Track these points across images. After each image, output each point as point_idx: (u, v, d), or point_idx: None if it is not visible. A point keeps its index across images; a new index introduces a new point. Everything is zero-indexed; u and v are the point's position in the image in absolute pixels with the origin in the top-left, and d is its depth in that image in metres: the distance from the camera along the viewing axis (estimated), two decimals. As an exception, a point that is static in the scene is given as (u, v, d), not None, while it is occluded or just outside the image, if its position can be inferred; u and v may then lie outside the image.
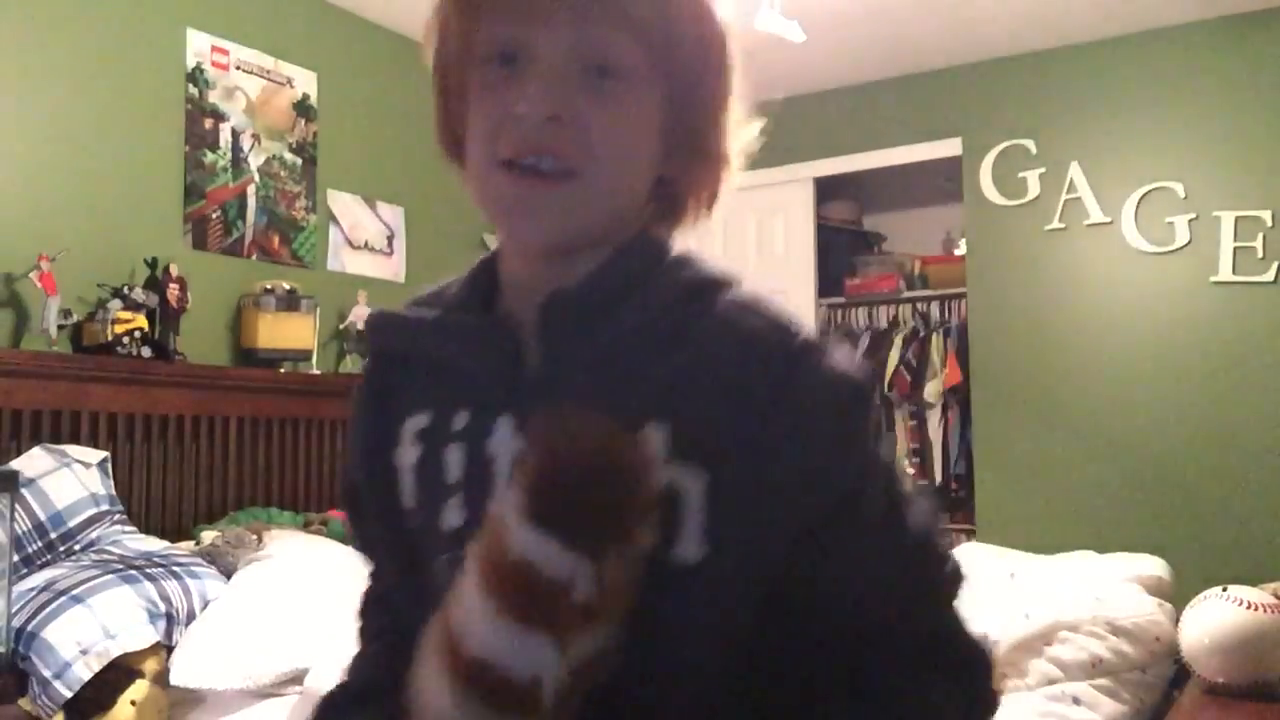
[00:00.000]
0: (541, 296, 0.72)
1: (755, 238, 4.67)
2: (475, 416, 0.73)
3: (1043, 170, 4.07)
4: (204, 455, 2.97)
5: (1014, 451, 4.06)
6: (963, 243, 4.40)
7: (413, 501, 0.75)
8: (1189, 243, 3.80)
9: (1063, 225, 4.02)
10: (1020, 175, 4.11)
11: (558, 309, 0.72)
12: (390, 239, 3.83)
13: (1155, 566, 2.60)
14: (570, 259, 0.72)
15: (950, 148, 4.27)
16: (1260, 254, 3.69)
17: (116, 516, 2.52)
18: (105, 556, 2.32)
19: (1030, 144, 4.10)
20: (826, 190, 4.72)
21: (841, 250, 4.90)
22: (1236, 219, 3.74)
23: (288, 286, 3.23)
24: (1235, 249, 3.73)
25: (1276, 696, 2.07)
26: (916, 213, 5.08)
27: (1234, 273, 3.73)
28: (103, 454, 2.60)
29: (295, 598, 2.29)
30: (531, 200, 0.70)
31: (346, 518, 0.86)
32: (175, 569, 2.29)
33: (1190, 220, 3.80)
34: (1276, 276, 3.66)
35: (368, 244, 3.76)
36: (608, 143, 0.70)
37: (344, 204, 3.69)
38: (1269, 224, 3.69)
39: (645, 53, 0.71)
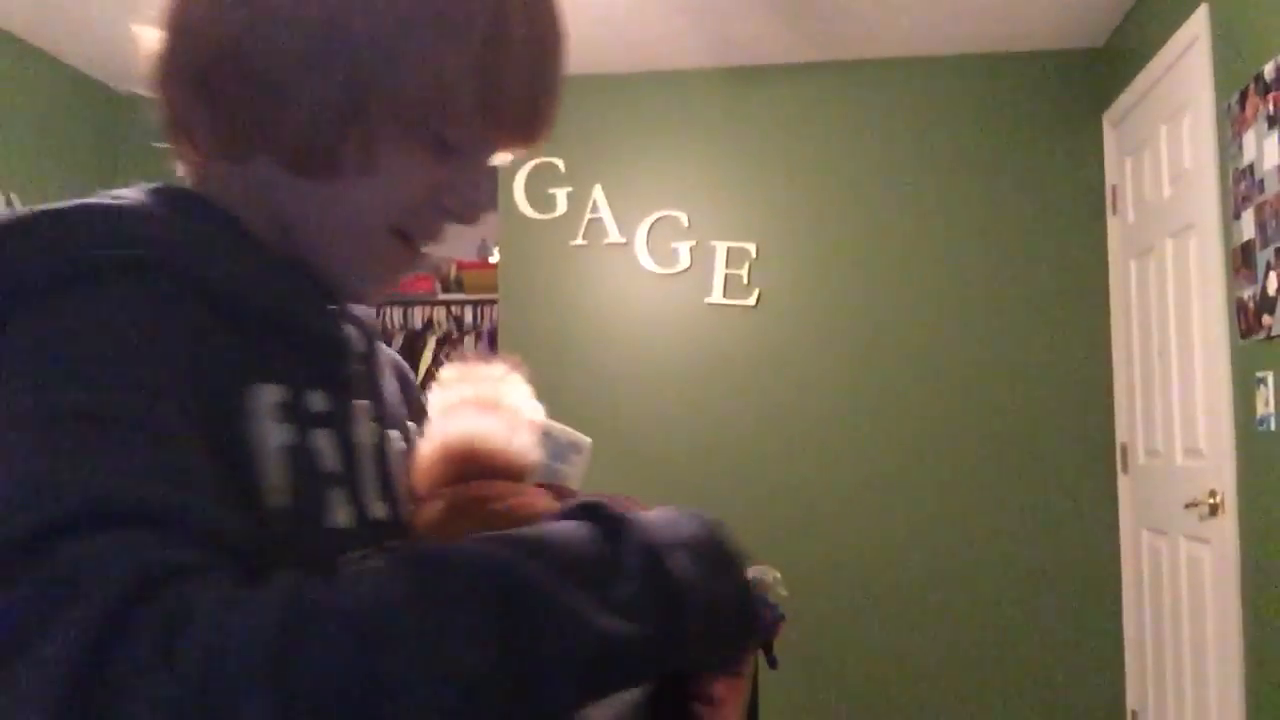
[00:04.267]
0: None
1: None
2: (333, 399, 0.68)
3: (570, 189, 4.32)
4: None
5: (534, 453, 4.25)
6: (497, 250, 4.55)
7: (287, 489, 0.60)
8: (689, 267, 4.24)
9: (585, 242, 4.30)
10: (550, 191, 4.33)
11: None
12: None
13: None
14: None
15: (488, 158, 4.38)
16: (745, 280, 4.22)
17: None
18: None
19: (560, 163, 4.33)
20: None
21: (380, 248, 4.84)
22: (728, 249, 4.23)
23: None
24: (726, 275, 4.23)
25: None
26: (457, 217, 5.16)
27: (724, 296, 4.22)
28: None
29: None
30: (404, 274, 0.76)
31: (160, 429, 0.53)
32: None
33: (691, 247, 4.25)
34: (757, 302, 4.20)
35: None
36: None
37: None
38: (754, 255, 4.22)
39: None
